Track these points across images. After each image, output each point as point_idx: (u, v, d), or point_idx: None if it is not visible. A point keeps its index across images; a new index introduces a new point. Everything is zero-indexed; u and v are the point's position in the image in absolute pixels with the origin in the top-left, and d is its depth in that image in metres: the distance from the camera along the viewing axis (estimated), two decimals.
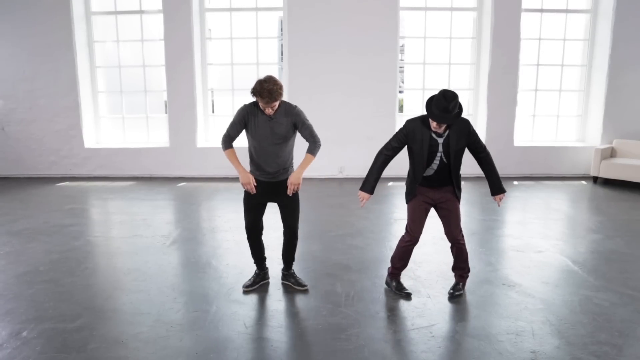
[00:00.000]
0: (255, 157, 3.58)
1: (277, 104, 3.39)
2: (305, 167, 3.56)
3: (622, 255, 4.60)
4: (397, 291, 3.74)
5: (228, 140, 3.59)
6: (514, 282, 3.98)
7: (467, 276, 3.77)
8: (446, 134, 3.40)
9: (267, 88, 3.27)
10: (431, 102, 3.30)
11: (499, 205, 3.71)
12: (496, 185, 3.58)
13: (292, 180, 3.52)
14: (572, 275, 4.14)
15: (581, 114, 8.67)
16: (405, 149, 3.56)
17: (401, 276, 3.82)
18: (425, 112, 3.40)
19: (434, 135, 3.40)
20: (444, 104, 3.21)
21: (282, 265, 4.07)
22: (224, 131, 3.63)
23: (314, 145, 3.58)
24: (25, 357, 2.90)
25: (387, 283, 3.84)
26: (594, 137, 8.42)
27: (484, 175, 3.63)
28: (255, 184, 3.55)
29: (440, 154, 3.42)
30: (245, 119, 3.50)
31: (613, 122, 8.22)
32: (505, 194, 3.62)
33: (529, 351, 2.95)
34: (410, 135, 3.45)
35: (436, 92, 3.35)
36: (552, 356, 2.90)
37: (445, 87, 3.56)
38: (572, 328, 3.22)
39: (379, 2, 7.91)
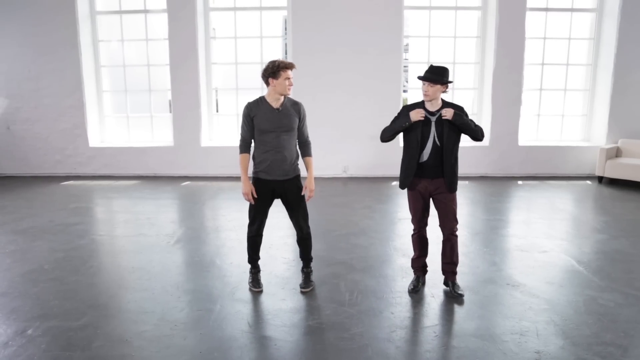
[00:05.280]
0: (263, 157, 3.56)
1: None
2: (312, 169, 3.73)
3: (628, 256, 4.57)
4: (410, 286, 3.79)
5: (243, 145, 3.64)
6: (518, 282, 3.97)
7: (457, 270, 3.79)
8: (439, 113, 3.47)
9: (285, 59, 3.50)
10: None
11: (442, 115, 3.43)
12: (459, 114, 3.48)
13: (310, 187, 3.67)
14: (576, 275, 4.12)
15: (586, 114, 8.63)
16: (401, 136, 3.63)
17: (423, 272, 3.86)
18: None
19: (426, 114, 3.48)
20: (432, 67, 3.43)
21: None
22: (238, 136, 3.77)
23: (309, 146, 3.75)
24: (31, 355, 2.91)
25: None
26: (599, 136, 8.39)
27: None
28: (255, 196, 3.61)
29: (433, 135, 3.47)
30: (251, 115, 3.54)
31: (618, 122, 8.18)
32: (452, 115, 3.39)
33: (533, 351, 2.94)
34: (404, 115, 3.53)
35: None
36: (556, 356, 2.88)
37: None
38: (576, 328, 3.21)
39: (383, 2, 7.90)
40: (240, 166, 3.64)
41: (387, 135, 3.61)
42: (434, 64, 3.47)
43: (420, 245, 3.79)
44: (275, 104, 3.52)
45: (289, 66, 3.44)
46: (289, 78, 3.44)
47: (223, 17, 8.84)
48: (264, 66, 3.51)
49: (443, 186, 3.55)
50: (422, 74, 3.47)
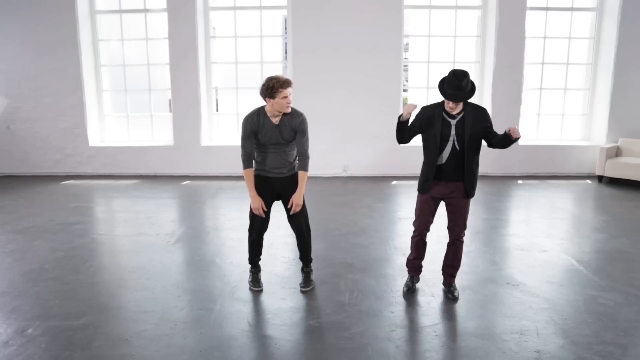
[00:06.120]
0: (262, 158, 3.59)
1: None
2: (304, 185, 3.62)
3: (627, 255, 4.57)
4: (404, 287, 3.75)
5: (246, 159, 3.58)
6: (518, 281, 3.97)
7: (456, 274, 3.76)
8: (460, 116, 3.35)
9: (283, 77, 3.38)
10: (443, 84, 3.29)
11: (515, 134, 3.24)
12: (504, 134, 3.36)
13: (296, 202, 3.59)
14: (576, 274, 4.12)
15: (586, 113, 8.63)
16: (420, 139, 3.52)
17: (418, 272, 3.79)
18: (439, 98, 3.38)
19: (446, 117, 3.35)
20: (456, 83, 3.21)
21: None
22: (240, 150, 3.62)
23: (306, 161, 3.61)
24: (31, 354, 2.92)
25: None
26: (599, 136, 8.38)
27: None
28: (265, 209, 3.61)
29: (452, 138, 3.35)
30: (253, 131, 3.50)
31: (618, 121, 8.17)
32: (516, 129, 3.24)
33: (533, 350, 2.94)
34: (422, 116, 3.41)
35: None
36: (556, 356, 2.89)
37: None
38: (576, 327, 3.21)
39: (383, 1, 7.89)
40: (247, 182, 3.60)
41: (397, 137, 3.46)
42: (456, 71, 3.23)
43: (419, 248, 3.70)
44: (275, 119, 3.48)
45: (284, 85, 3.33)
46: (286, 97, 3.36)
47: (223, 16, 8.83)
48: (262, 81, 3.43)
49: (458, 190, 3.45)
50: (445, 89, 3.24)
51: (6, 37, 8.24)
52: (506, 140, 3.34)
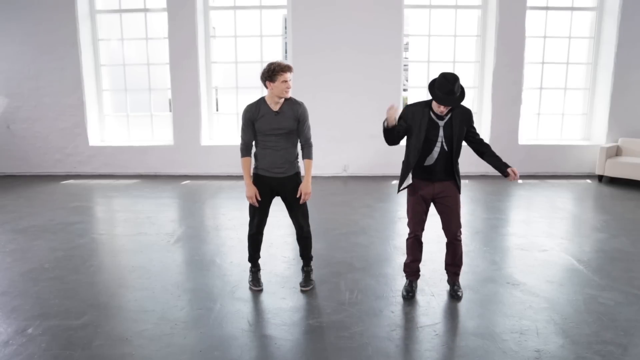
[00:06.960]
0: (263, 154, 3.59)
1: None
2: (311, 173, 3.65)
3: (628, 255, 4.57)
4: (403, 291, 3.72)
5: (244, 148, 3.61)
6: (518, 280, 3.97)
7: (460, 272, 3.75)
8: (448, 117, 3.35)
9: (283, 62, 3.44)
10: (433, 86, 3.27)
11: (515, 179, 3.43)
12: (503, 164, 3.48)
13: (304, 190, 3.60)
14: (576, 274, 4.12)
15: (586, 112, 8.63)
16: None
17: (416, 277, 3.74)
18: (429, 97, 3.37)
19: (433, 117, 3.34)
20: (449, 87, 3.19)
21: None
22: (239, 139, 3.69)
23: (309, 150, 3.66)
24: (31, 353, 2.92)
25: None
26: (600, 135, 8.38)
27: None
28: (260, 199, 3.61)
29: (440, 139, 3.35)
30: (252, 119, 3.53)
31: (618, 121, 8.17)
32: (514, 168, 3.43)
33: (533, 350, 2.94)
34: (409, 115, 3.39)
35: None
36: (556, 355, 2.89)
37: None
38: (576, 327, 3.21)
39: (383, 1, 7.89)
40: (243, 170, 3.61)
41: (386, 141, 3.46)
42: (447, 74, 3.21)
43: (415, 249, 3.67)
44: (275, 106, 3.50)
45: (284, 69, 3.38)
46: (286, 81, 3.40)
47: (223, 15, 8.83)
48: (263, 67, 3.50)
49: (448, 189, 3.46)
50: (436, 92, 3.20)
51: (6, 37, 8.24)
52: (497, 167, 3.48)
